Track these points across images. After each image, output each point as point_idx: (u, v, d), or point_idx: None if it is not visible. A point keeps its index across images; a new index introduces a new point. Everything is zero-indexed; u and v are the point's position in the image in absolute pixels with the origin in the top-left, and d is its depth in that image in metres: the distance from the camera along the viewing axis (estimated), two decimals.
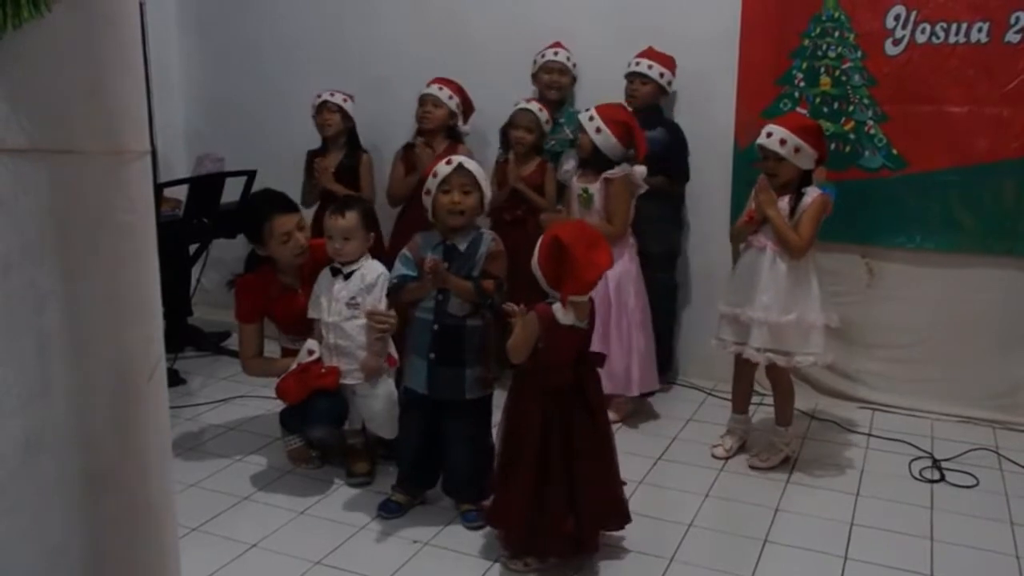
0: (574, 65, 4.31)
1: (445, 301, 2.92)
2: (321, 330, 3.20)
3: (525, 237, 3.87)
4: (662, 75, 4.06)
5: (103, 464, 1.33)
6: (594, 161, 3.71)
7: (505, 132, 4.19)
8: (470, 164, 3.00)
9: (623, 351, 3.77)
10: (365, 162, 4.55)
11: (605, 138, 3.62)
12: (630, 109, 3.95)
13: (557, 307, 2.58)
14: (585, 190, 3.73)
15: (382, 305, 3.10)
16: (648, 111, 4.08)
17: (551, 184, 4.13)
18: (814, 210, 3.28)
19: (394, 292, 2.99)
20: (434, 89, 4.23)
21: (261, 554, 2.83)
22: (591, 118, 3.66)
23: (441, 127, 4.25)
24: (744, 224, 3.42)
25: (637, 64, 4.06)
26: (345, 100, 4.47)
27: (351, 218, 3.15)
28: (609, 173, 3.68)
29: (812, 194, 3.30)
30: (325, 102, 4.44)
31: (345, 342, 3.15)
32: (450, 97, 4.23)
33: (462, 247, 2.94)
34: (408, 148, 4.36)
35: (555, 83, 4.27)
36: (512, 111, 4.14)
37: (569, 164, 3.92)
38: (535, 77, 4.33)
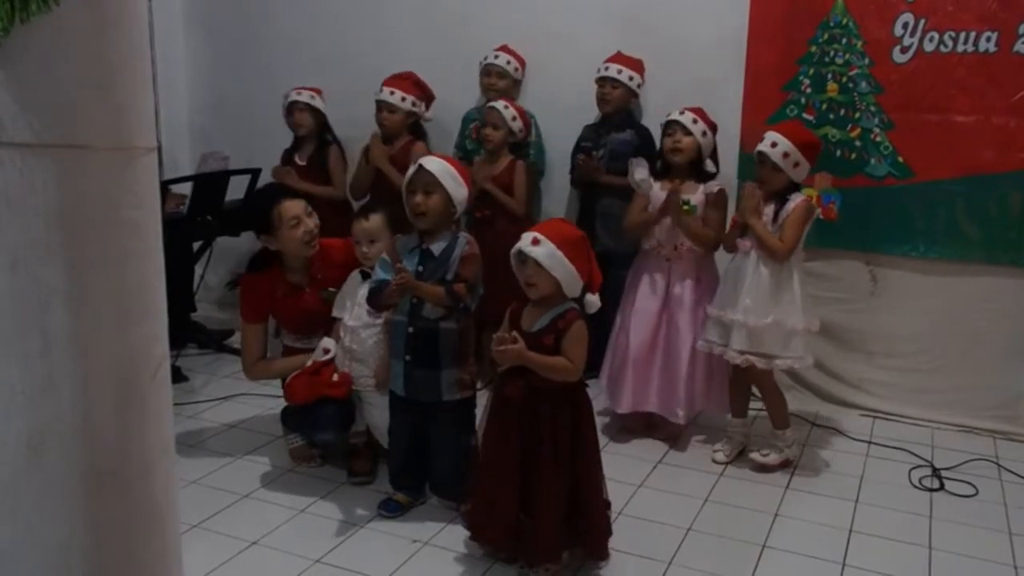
0: (516, 69, 4.43)
1: (420, 304, 2.91)
2: (339, 331, 3.21)
3: (494, 236, 3.90)
4: (631, 79, 4.13)
5: (107, 461, 1.33)
6: (692, 167, 3.63)
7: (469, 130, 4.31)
8: (431, 164, 2.90)
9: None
10: (334, 154, 4.59)
11: (710, 142, 3.63)
12: (599, 113, 4.14)
13: (592, 298, 2.62)
14: (687, 201, 3.51)
15: (362, 310, 3.12)
16: (619, 114, 4.16)
17: (521, 183, 4.15)
18: (797, 215, 3.31)
19: (374, 296, 2.97)
20: (385, 95, 4.30)
21: (261, 552, 2.83)
22: (695, 120, 3.56)
23: (401, 128, 4.34)
24: (730, 230, 3.47)
25: (607, 69, 4.13)
26: (313, 97, 4.54)
27: (375, 220, 3.16)
28: (715, 185, 3.62)
29: (795, 200, 3.34)
30: (295, 102, 4.52)
31: (359, 348, 3.15)
32: (403, 99, 4.30)
33: (436, 251, 2.91)
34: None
35: (492, 85, 4.40)
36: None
37: (641, 172, 3.67)
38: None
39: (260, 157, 4.72)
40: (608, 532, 2.77)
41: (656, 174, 3.70)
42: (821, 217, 4.02)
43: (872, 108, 3.92)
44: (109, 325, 1.31)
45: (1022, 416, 3.88)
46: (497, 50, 4.42)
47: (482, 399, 2.97)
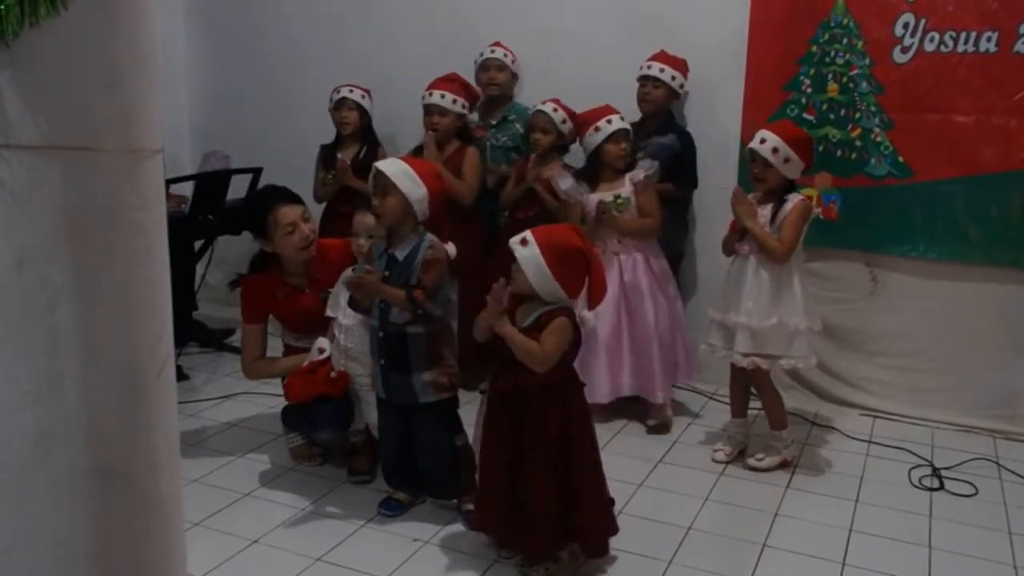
0: (512, 62, 4.39)
1: (388, 309, 2.92)
2: (334, 330, 3.22)
3: None
4: (674, 78, 4.05)
5: (113, 458, 1.34)
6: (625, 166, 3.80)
7: (526, 134, 4.18)
8: (386, 166, 2.90)
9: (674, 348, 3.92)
10: (383, 155, 4.54)
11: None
12: (641, 113, 4.09)
13: (586, 315, 2.62)
14: (618, 196, 3.73)
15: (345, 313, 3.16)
16: (660, 116, 4.08)
17: None
18: (795, 216, 3.32)
19: (352, 299, 3.01)
20: (436, 98, 4.16)
21: (262, 550, 2.84)
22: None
23: (451, 132, 4.22)
24: (728, 234, 3.48)
25: (649, 68, 4.05)
26: (363, 96, 4.49)
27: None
28: (642, 173, 3.76)
29: (793, 200, 3.35)
30: (344, 99, 4.44)
31: (355, 345, 3.16)
32: (454, 101, 4.17)
33: (400, 256, 2.91)
34: (419, 150, 4.36)
35: (493, 80, 4.35)
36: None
37: (566, 182, 3.80)
38: (476, 75, 4.42)
39: (261, 156, 4.72)
40: (611, 530, 2.76)
41: (588, 180, 3.82)
42: (822, 217, 4.03)
43: (872, 108, 3.93)
44: (115, 324, 1.32)
45: (1022, 415, 3.89)
46: (492, 45, 4.38)
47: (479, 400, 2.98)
